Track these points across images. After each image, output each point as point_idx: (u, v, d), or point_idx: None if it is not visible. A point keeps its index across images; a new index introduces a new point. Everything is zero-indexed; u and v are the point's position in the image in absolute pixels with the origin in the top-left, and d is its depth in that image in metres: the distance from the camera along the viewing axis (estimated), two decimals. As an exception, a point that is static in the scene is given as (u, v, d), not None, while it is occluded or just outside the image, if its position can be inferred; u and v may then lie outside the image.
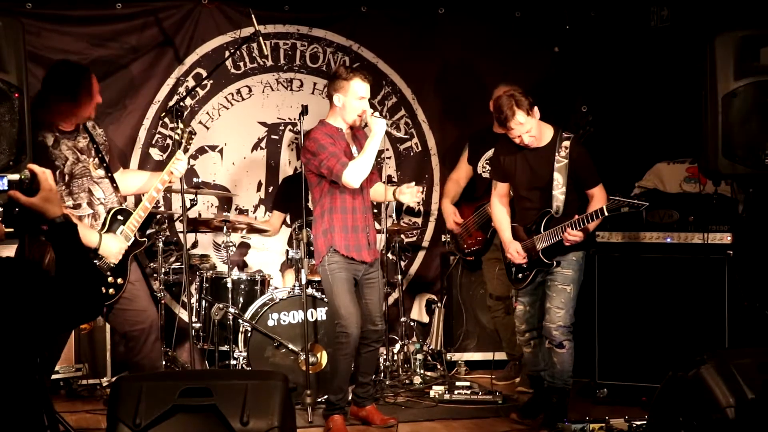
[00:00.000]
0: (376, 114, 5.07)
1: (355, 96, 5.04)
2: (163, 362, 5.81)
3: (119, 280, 4.72)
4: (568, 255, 5.03)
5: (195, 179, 6.41)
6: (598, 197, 4.99)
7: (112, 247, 4.68)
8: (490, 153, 5.79)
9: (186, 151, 4.97)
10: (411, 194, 5.16)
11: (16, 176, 2.53)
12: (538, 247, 5.03)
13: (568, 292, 5.03)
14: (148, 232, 6.25)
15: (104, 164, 4.83)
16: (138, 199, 5.25)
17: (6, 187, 2.52)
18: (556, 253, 5.02)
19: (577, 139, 5.09)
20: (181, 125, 5.04)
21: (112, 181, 4.87)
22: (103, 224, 4.75)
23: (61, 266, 2.54)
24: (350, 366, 5.18)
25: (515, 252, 5.13)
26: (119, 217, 4.78)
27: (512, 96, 4.89)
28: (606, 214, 4.79)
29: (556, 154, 4.98)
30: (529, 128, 4.93)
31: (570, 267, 5.05)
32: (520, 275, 5.20)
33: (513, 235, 5.21)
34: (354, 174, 4.95)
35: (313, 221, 5.21)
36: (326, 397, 5.23)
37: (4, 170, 4.19)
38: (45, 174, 2.56)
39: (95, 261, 4.63)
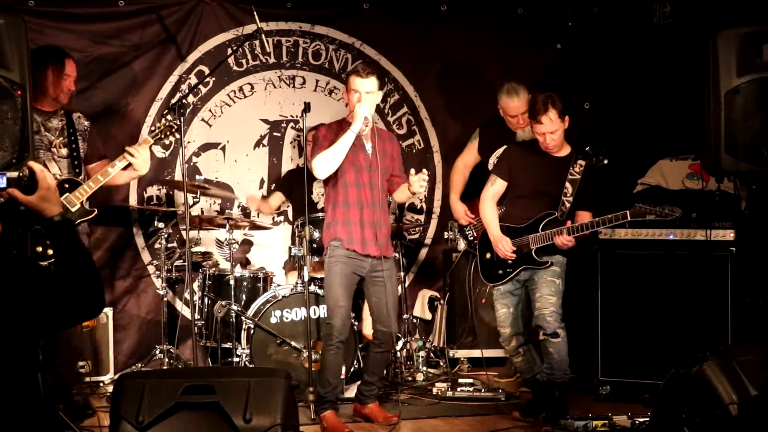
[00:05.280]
0: (364, 107, 4.96)
1: (350, 89, 5.05)
2: (167, 360, 5.83)
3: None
4: (556, 256, 5.14)
5: (198, 176, 6.42)
6: (585, 218, 5.12)
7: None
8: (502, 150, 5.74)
9: (158, 142, 5.19)
10: (417, 182, 4.99)
11: (14, 174, 2.54)
12: (532, 246, 5.12)
13: (557, 284, 5.12)
14: (151, 228, 6.29)
15: (73, 147, 5.04)
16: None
17: (5, 185, 2.52)
18: (546, 254, 5.13)
19: (590, 164, 5.22)
20: (166, 118, 5.24)
21: (77, 165, 5.07)
22: None
23: (60, 264, 2.54)
24: (337, 359, 5.15)
25: (504, 246, 5.16)
26: (65, 185, 4.95)
27: (550, 95, 5.13)
28: (629, 218, 4.94)
29: (571, 168, 5.17)
30: (555, 129, 5.10)
31: (557, 265, 5.15)
32: (500, 271, 5.23)
33: None
34: (319, 163, 4.96)
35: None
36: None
37: (6, 168, 4.19)
38: (43, 172, 2.57)
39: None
